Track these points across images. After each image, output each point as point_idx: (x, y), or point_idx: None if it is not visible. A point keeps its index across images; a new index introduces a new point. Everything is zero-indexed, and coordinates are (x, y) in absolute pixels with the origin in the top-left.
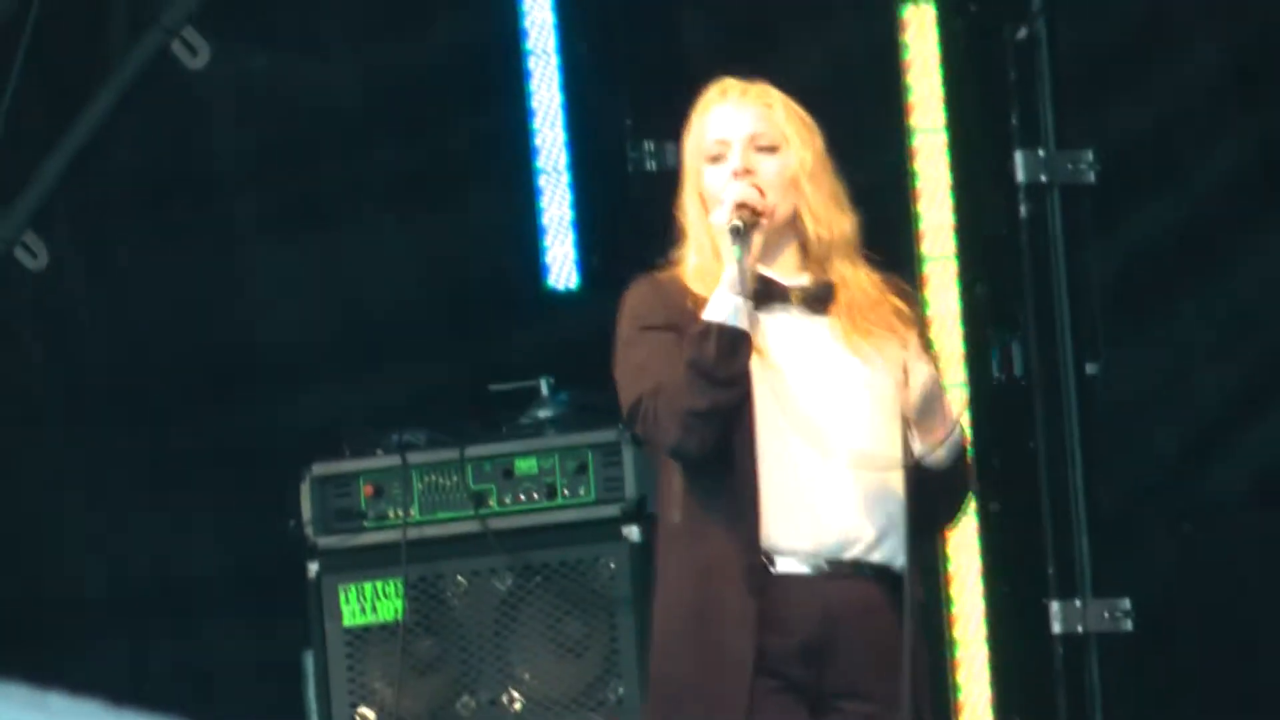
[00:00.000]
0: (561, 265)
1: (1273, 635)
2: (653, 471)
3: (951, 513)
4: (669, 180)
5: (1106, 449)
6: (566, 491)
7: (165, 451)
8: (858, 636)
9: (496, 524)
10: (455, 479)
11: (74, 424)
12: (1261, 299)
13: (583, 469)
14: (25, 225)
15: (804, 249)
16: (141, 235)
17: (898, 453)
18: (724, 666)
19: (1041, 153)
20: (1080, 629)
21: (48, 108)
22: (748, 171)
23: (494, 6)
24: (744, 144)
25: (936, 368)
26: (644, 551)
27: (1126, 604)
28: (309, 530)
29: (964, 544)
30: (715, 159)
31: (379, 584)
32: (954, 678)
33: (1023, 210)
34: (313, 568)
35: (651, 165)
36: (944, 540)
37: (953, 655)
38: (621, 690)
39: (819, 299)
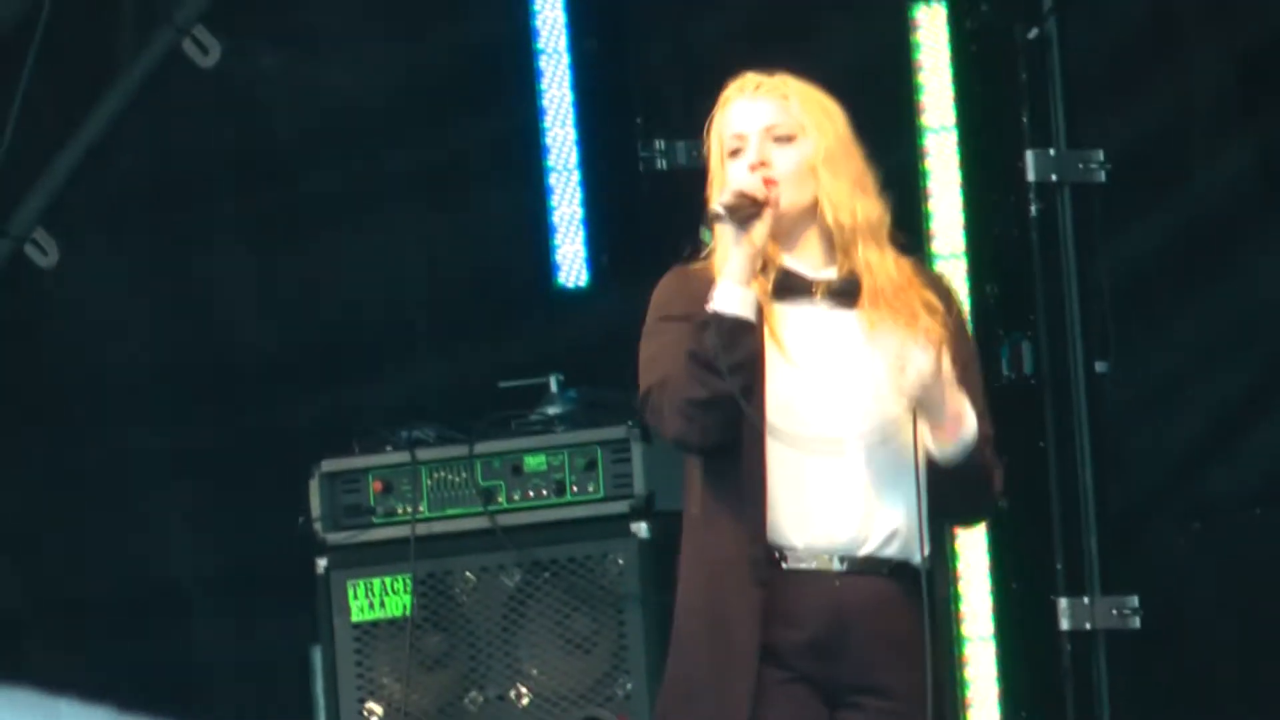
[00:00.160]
0: (571, 263)
1: None
2: (662, 468)
3: (966, 513)
4: (679, 179)
5: (1116, 447)
6: (575, 488)
7: (176, 448)
8: (871, 633)
9: (505, 520)
10: (464, 475)
11: (84, 420)
12: (1270, 298)
13: (591, 466)
14: (36, 223)
15: (830, 239)
16: (152, 233)
17: (915, 450)
18: (732, 660)
19: (1052, 152)
20: (1088, 626)
21: (59, 106)
22: (763, 164)
23: (505, 5)
24: (760, 136)
25: (964, 358)
26: (652, 548)
27: (1135, 601)
28: (318, 526)
29: (973, 541)
30: (735, 153)
31: (387, 580)
32: (962, 674)
33: (1033, 209)
34: (321, 563)
35: (662, 164)
36: (953, 537)
37: (961, 651)
38: (629, 686)
39: (845, 293)
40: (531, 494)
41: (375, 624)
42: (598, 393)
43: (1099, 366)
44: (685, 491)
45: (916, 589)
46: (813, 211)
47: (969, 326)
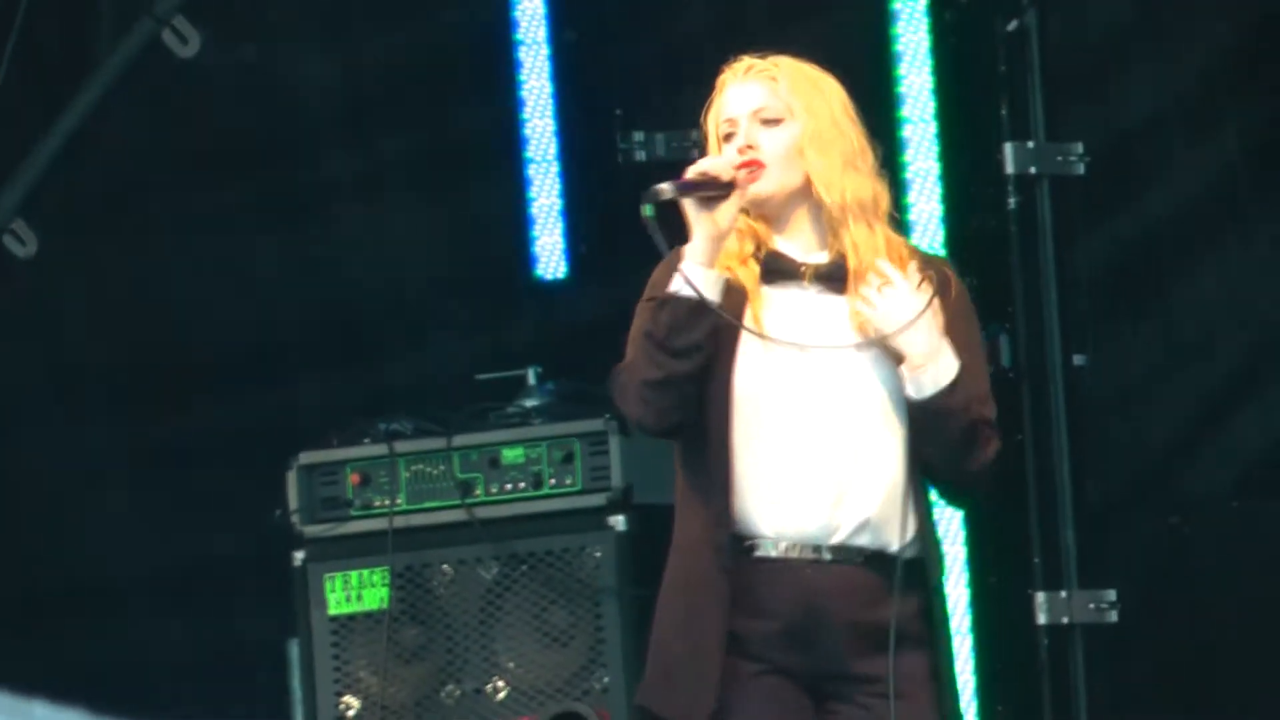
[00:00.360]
0: (550, 255)
1: (1258, 627)
2: (640, 460)
3: (950, 476)
4: (659, 170)
5: (1094, 441)
6: (553, 481)
7: (152, 440)
8: (846, 623)
9: (483, 513)
10: (442, 468)
11: (61, 413)
12: (1248, 292)
13: (569, 458)
14: (15, 213)
15: (824, 222)
16: (132, 224)
17: (895, 438)
18: (700, 647)
19: (1031, 144)
20: (1066, 620)
21: (38, 96)
22: (750, 147)
23: None
24: (748, 119)
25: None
26: (630, 541)
27: (1112, 595)
28: (295, 518)
29: (950, 534)
30: (727, 137)
31: (365, 572)
32: None
33: (1012, 202)
34: (299, 556)
35: (641, 155)
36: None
37: None
38: (607, 679)
39: (833, 277)
40: (509, 487)
41: (352, 617)
42: (576, 385)
43: (1077, 359)
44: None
45: (903, 578)
46: (805, 194)
47: (972, 313)
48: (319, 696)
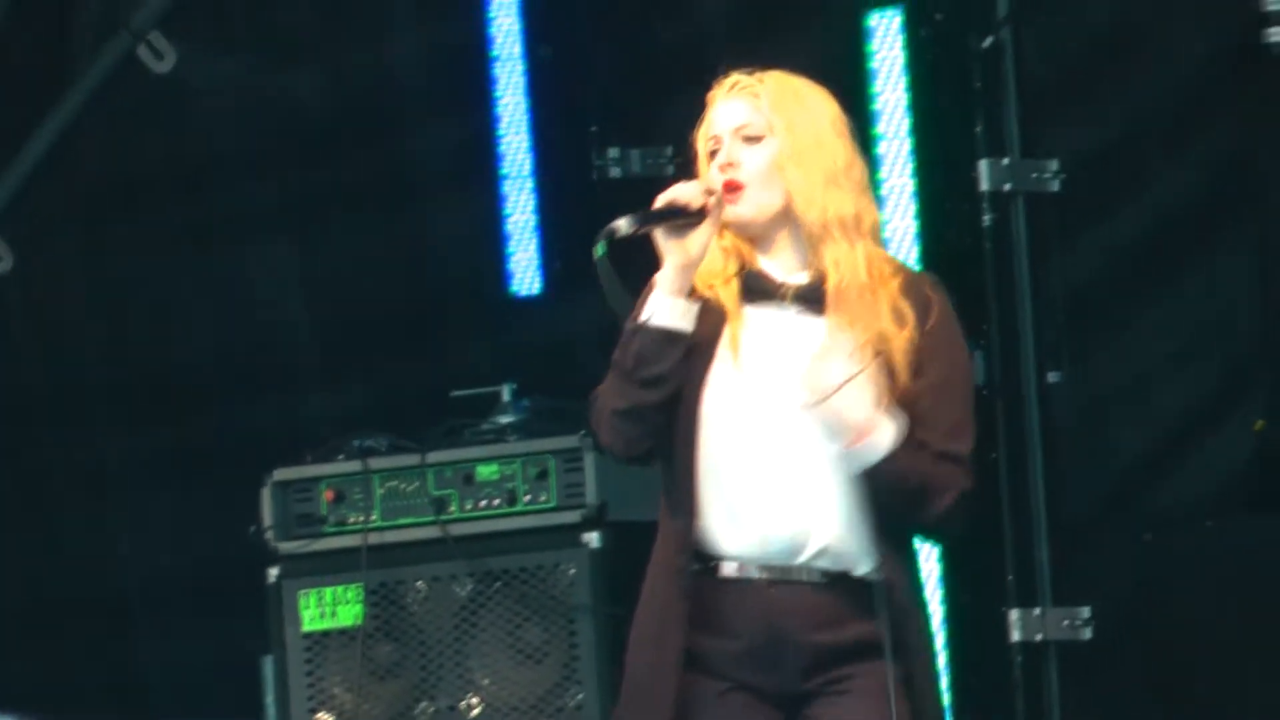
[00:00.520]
0: (525, 271)
1: (1232, 644)
2: (615, 478)
3: (909, 524)
4: (633, 187)
5: (1068, 458)
6: (527, 497)
7: (125, 454)
8: (808, 644)
9: (457, 530)
10: (416, 484)
11: (33, 428)
12: (1223, 309)
13: (544, 475)
14: None
15: (806, 241)
16: (106, 238)
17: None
18: (660, 666)
19: (1006, 161)
20: (1039, 637)
21: (13, 111)
22: (730, 165)
23: (460, 13)
24: (731, 137)
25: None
26: (604, 558)
27: (1086, 612)
28: (270, 535)
29: (924, 551)
30: (712, 154)
31: (339, 589)
32: None
33: (986, 219)
34: (273, 572)
35: (616, 172)
36: None
37: None
38: (580, 696)
39: (813, 298)
40: (483, 503)
41: (327, 633)
42: (550, 402)
43: (1052, 376)
44: None
45: (863, 601)
46: (787, 213)
47: (954, 336)
48: (293, 713)
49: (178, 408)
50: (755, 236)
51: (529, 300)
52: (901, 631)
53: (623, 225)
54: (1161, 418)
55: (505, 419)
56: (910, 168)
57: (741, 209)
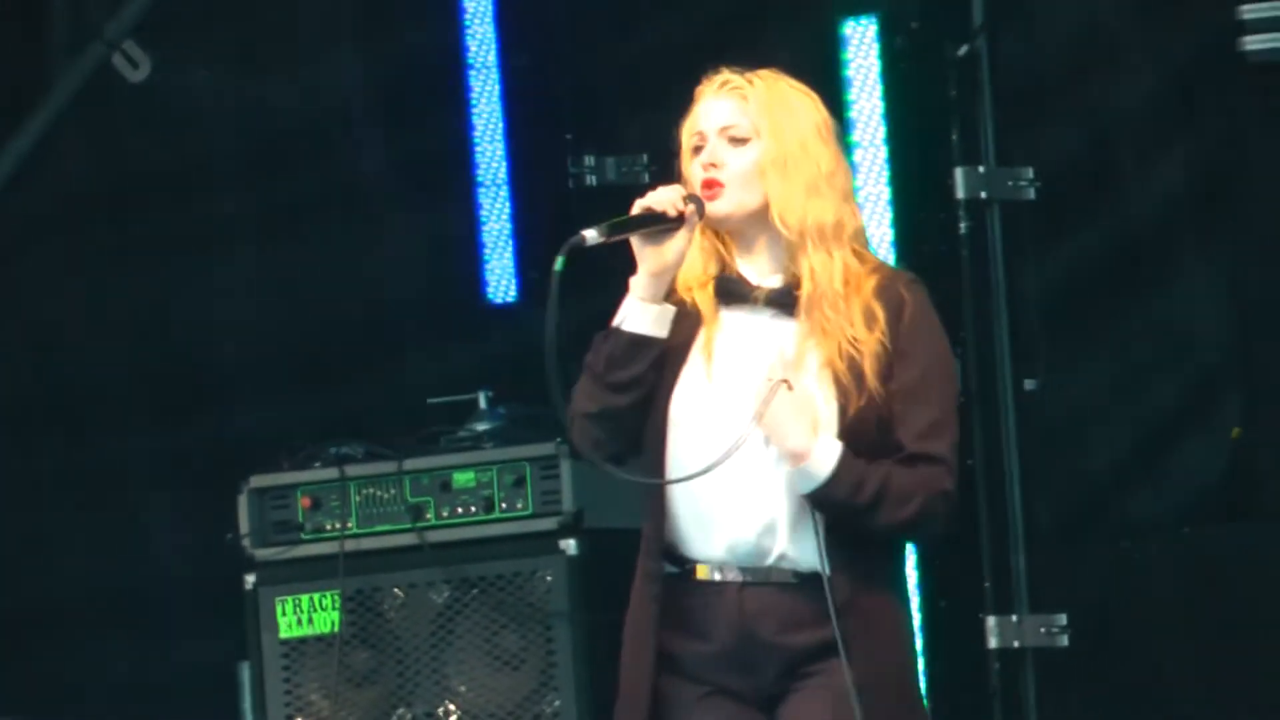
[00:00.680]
0: (501, 279)
1: (1208, 651)
2: (591, 485)
3: (876, 527)
4: (609, 195)
5: (1044, 465)
6: (504, 505)
7: (104, 461)
8: (778, 645)
9: (434, 537)
10: (393, 492)
11: (13, 435)
12: (1199, 316)
13: (520, 482)
14: None
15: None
16: (80, 247)
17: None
18: (634, 667)
19: (981, 169)
20: (1016, 644)
21: None
22: (713, 165)
23: (435, 21)
24: (716, 136)
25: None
26: (581, 565)
27: (1063, 619)
28: (246, 542)
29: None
30: (696, 150)
31: (316, 596)
32: None
33: (962, 226)
34: (250, 579)
35: (591, 180)
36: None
37: None
38: (557, 703)
39: (785, 301)
40: (460, 510)
41: (303, 640)
42: (526, 409)
43: (1028, 384)
44: None
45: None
46: (765, 216)
47: (931, 333)
48: (270, 719)
49: (157, 414)
50: (735, 236)
51: (505, 308)
52: (864, 633)
53: (591, 235)
54: (1137, 425)
55: (482, 426)
56: (886, 176)
57: (719, 205)
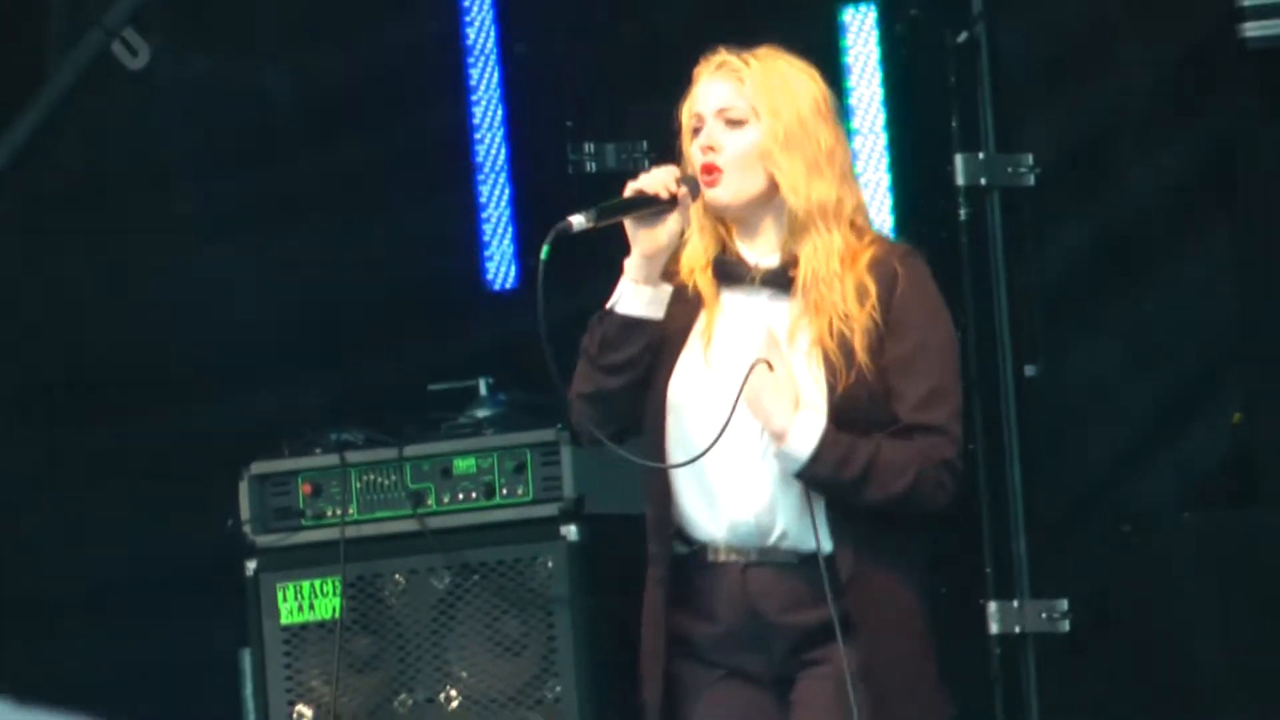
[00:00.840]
0: (501, 265)
1: (1208, 636)
2: (592, 470)
3: (870, 504)
4: (609, 181)
5: (1045, 451)
6: (505, 491)
7: (104, 447)
8: (785, 625)
9: (435, 523)
10: (394, 478)
11: (12, 421)
12: (1199, 303)
13: (521, 468)
14: None
15: (787, 225)
16: (80, 234)
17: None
18: (649, 650)
19: (981, 156)
20: (1018, 630)
21: None
22: (710, 148)
23: (434, 8)
24: (713, 118)
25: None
26: (582, 550)
27: (1064, 605)
28: (247, 528)
29: None
30: (695, 131)
31: (317, 582)
32: None
33: (962, 213)
34: (251, 566)
35: (591, 166)
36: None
37: None
38: (559, 688)
39: (780, 282)
40: (461, 497)
41: (305, 626)
42: (527, 395)
43: (1028, 370)
44: None
45: (836, 579)
46: (766, 197)
47: (925, 304)
48: (272, 706)
49: (156, 401)
50: (737, 220)
51: (505, 294)
52: (873, 612)
53: (578, 221)
54: (1139, 411)
55: (482, 413)
56: (885, 163)
57: (719, 193)
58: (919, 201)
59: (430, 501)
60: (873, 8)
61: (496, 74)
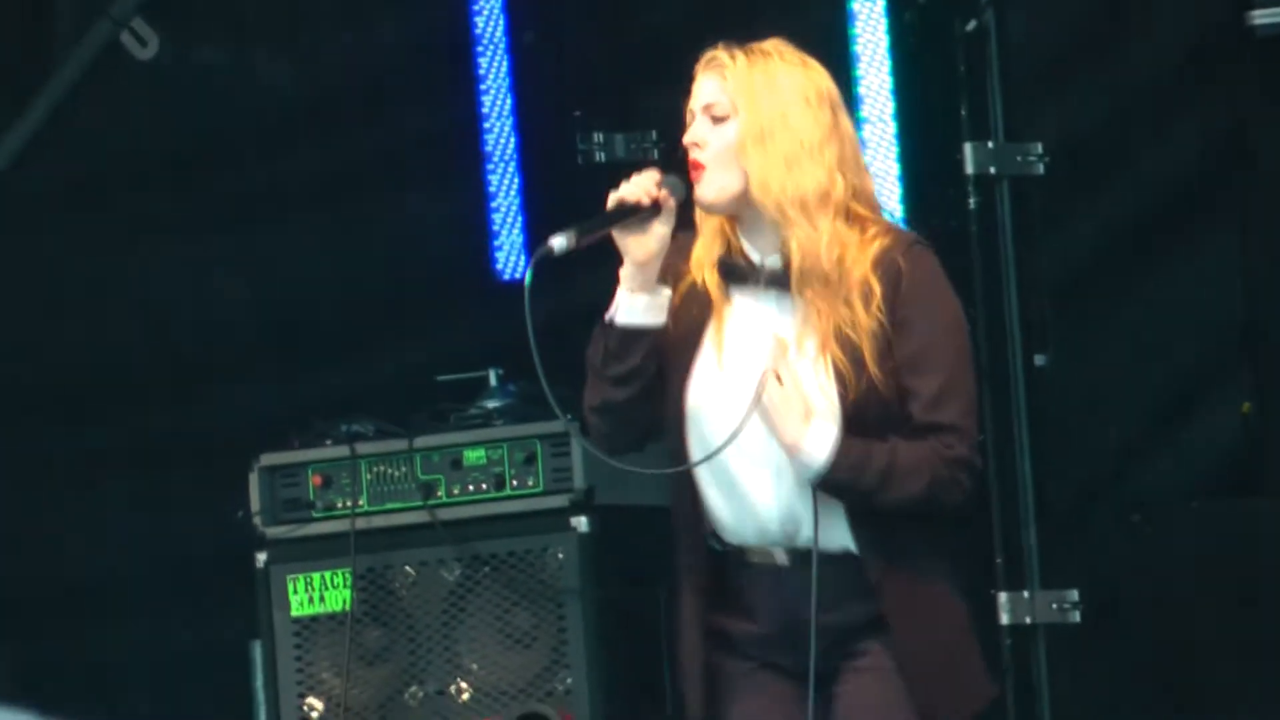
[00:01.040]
0: (510, 256)
1: (1219, 626)
2: (602, 462)
3: (889, 507)
4: (618, 171)
5: (1055, 441)
6: (515, 482)
7: (115, 442)
8: (821, 624)
9: (445, 514)
10: (404, 469)
11: (20, 416)
12: (1208, 292)
13: (531, 460)
14: None
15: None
16: (90, 226)
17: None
18: (685, 648)
19: (991, 145)
20: (1028, 620)
21: None
22: (695, 144)
23: None
24: (701, 114)
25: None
26: (592, 542)
27: (1074, 595)
28: (257, 520)
29: None
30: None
31: (327, 574)
32: None
33: (971, 202)
34: (261, 557)
35: (600, 156)
36: None
37: None
38: (569, 680)
39: (783, 281)
40: (471, 488)
41: (315, 618)
42: (537, 386)
43: (1038, 359)
44: None
45: (866, 579)
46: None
47: (933, 299)
48: (282, 698)
49: (167, 393)
50: (733, 217)
51: (515, 285)
52: (907, 610)
53: (559, 243)
54: (1148, 400)
55: (492, 404)
56: (895, 152)
57: (702, 192)
58: (928, 190)
59: (440, 493)
60: None
61: (505, 63)
